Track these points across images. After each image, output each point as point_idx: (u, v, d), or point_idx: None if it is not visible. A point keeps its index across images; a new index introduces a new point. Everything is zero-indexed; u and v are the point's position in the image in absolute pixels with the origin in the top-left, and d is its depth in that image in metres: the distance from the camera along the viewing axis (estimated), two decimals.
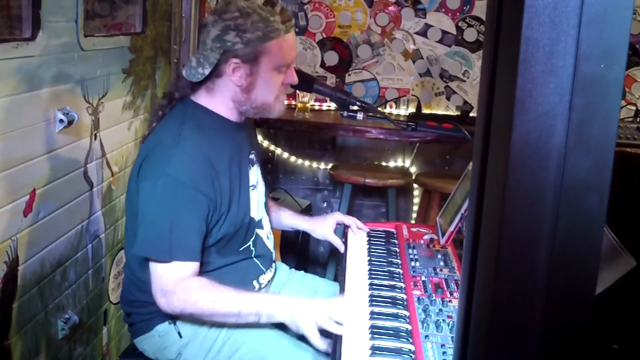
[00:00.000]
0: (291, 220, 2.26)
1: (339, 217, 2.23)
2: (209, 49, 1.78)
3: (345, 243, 2.13)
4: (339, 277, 1.92)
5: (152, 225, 1.71)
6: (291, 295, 2.06)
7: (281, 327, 1.96)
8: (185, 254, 1.70)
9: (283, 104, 1.91)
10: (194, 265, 1.72)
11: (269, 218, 2.10)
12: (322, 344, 1.63)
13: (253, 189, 1.94)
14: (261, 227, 1.99)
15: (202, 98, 1.86)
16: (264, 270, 1.97)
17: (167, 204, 1.70)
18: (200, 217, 1.72)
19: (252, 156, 1.97)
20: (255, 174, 1.97)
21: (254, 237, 1.94)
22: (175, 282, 1.68)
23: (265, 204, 2.06)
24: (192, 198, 1.70)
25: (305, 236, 3.56)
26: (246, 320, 1.72)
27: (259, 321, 1.72)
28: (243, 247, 1.90)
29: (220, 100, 1.85)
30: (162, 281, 1.69)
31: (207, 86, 1.85)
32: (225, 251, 1.85)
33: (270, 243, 2.04)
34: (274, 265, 2.06)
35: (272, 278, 2.05)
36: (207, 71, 1.78)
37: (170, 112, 1.86)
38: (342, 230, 2.29)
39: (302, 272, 2.23)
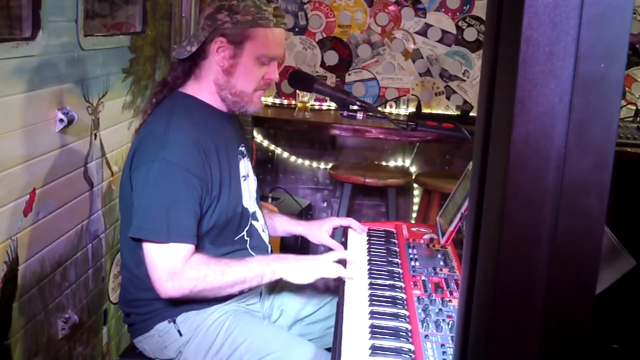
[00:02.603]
0: (287, 225, 2.24)
1: (335, 221, 2.22)
2: (200, 27, 1.84)
3: (345, 243, 2.13)
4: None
5: (149, 207, 1.71)
6: (290, 296, 2.07)
7: (281, 321, 1.97)
8: (184, 235, 1.70)
9: (261, 102, 1.94)
10: (192, 248, 1.72)
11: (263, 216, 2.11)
12: (345, 272, 1.74)
13: (244, 180, 1.95)
14: (256, 219, 2.00)
15: (190, 88, 1.90)
16: None
17: (162, 187, 1.71)
18: (194, 200, 1.73)
19: (241, 148, 1.98)
20: (245, 166, 1.98)
21: (248, 227, 1.94)
22: (182, 262, 1.68)
23: (258, 199, 2.06)
24: (186, 180, 1.71)
25: (304, 239, 3.56)
26: (250, 285, 1.77)
27: (261, 282, 1.77)
28: (237, 237, 1.91)
29: (206, 86, 1.88)
30: (169, 264, 1.68)
31: (195, 74, 1.89)
32: (219, 241, 1.85)
33: (266, 236, 2.04)
34: None
35: None
36: (194, 48, 1.84)
37: (161, 104, 1.89)
38: (342, 232, 2.28)
39: None
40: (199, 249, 1.78)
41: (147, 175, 1.72)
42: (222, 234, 1.86)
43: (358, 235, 2.17)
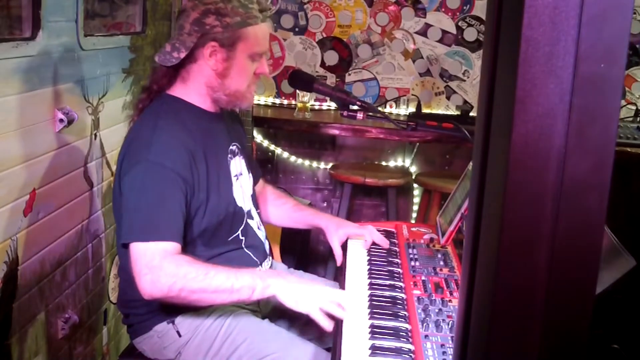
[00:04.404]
0: (308, 217, 2.21)
1: (352, 230, 2.11)
2: (186, 33, 1.80)
3: (345, 243, 2.12)
4: (339, 277, 1.92)
5: (135, 209, 1.70)
6: None
7: (281, 324, 1.96)
8: (169, 234, 1.67)
9: (253, 96, 1.94)
10: (177, 247, 1.68)
11: (268, 212, 2.12)
12: (327, 323, 1.60)
13: (237, 179, 1.94)
14: (251, 218, 1.99)
15: (177, 90, 1.89)
16: (258, 262, 1.96)
17: (148, 188, 1.70)
18: (180, 200, 1.72)
19: (233, 147, 1.98)
20: (238, 165, 1.98)
21: (242, 226, 1.94)
22: (162, 257, 1.63)
23: (253, 196, 2.06)
24: (171, 180, 1.70)
25: (305, 235, 3.56)
26: (238, 297, 1.66)
27: (251, 296, 1.65)
28: (232, 237, 1.90)
29: (194, 88, 1.87)
30: (147, 258, 1.63)
31: (182, 76, 1.88)
32: (212, 243, 1.85)
33: (261, 234, 2.03)
34: (269, 259, 2.06)
35: None
36: (182, 55, 1.80)
37: (148, 107, 1.88)
38: None
39: (301, 271, 2.23)
40: (190, 251, 1.78)
41: (134, 178, 1.71)
42: (215, 235, 1.85)
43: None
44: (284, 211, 2.25)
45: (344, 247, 2.09)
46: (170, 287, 1.62)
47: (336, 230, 2.12)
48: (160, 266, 1.62)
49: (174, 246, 1.68)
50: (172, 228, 1.69)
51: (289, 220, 2.26)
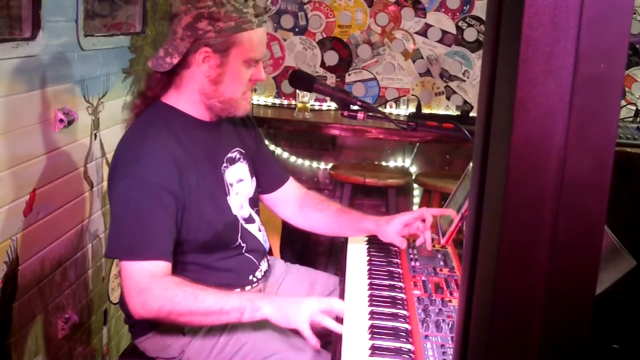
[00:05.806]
0: (353, 221, 2.09)
1: (406, 217, 2.00)
2: (179, 37, 1.76)
3: (345, 243, 2.12)
4: (339, 277, 1.92)
5: (121, 225, 1.68)
6: (290, 288, 2.07)
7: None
8: (156, 253, 1.65)
9: (249, 103, 1.90)
10: (166, 266, 1.66)
11: (311, 218, 2.08)
12: (314, 338, 1.60)
13: (232, 187, 1.90)
14: (252, 222, 1.97)
15: (170, 98, 1.84)
16: (257, 263, 1.96)
17: (134, 203, 1.68)
18: (168, 217, 1.69)
19: (232, 154, 1.94)
20: (237, 172, 1.94)
21: (240, 234, 1.91)
22: (150, 278, 1.62)
23: (252, 199, 2.01)
24: (159, 197, 1.67)
25: (304, 242, 3.55)
26: (227, 319, 1.66)
27: (241, 318, 1.66)
28: (233, 245, 1.89)
29: (188, 95, 1.82)
30: (135, 280, 1.63)
31: (176, 83, 1.83)
32: (213, 251, 1.84)
33: (261, 236, 2.01)
34: (268, 258, 2.05)
35: (268, 271, 2.03)
36: (175, 60, 1.76)
37: (141, 113, 1.84)
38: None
39: (298, 265, 2.21)
40: (191, 260, 1.77)
41: (120, 193, 1.69)
42: (216, 245, 1.84)
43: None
44: (327, 216, 2.12)
45: (344, 248, 2.09)
46: (159, 309, 1.63)
47: (388, 223, 1.99)
48: (149, 288, 1.62)
49: (161, 265, 1.66)
50: (159, 247, 1.67)
51: (334, 226, 2.11)
